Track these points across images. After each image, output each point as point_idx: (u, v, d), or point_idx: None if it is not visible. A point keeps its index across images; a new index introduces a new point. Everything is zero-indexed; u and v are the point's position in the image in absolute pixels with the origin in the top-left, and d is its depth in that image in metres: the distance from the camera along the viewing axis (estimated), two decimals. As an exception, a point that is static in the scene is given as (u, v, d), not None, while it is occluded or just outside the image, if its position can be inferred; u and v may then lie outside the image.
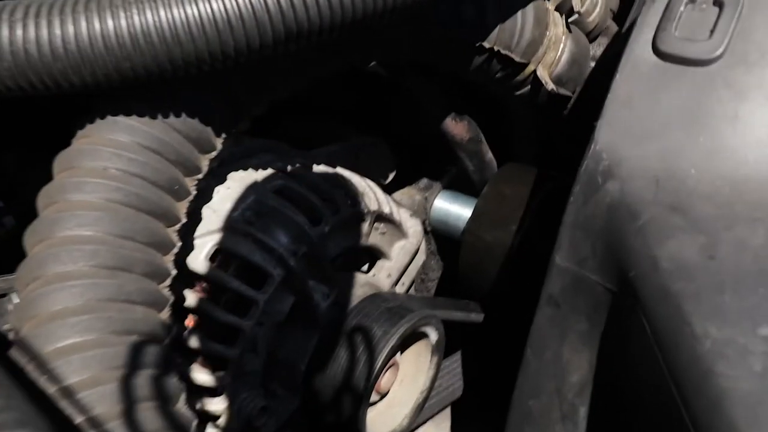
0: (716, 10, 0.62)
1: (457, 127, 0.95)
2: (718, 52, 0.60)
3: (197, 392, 0.68)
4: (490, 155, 1.02)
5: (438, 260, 1.16)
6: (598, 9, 0.97)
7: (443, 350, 0.83)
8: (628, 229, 0.58)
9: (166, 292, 0.61)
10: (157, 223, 0.61)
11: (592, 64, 0.96)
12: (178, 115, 0.63)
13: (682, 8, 0.63)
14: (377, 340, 0.72)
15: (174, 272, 0.62)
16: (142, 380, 0.53)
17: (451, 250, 1.12)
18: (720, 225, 0.55)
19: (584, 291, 0.62)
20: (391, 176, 0.99)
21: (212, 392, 0.69)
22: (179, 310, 0.68)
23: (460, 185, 1.08)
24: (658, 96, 0.62)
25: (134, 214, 0.59)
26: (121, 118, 0.61)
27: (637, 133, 0.62)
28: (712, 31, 0.61)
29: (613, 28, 1.03)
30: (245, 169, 0.76)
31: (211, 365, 0.69)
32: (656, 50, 0.63)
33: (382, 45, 0.79)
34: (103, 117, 0.61)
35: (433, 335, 0.80)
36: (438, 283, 1.14)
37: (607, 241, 0.60)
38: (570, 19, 0.93)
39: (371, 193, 0.82)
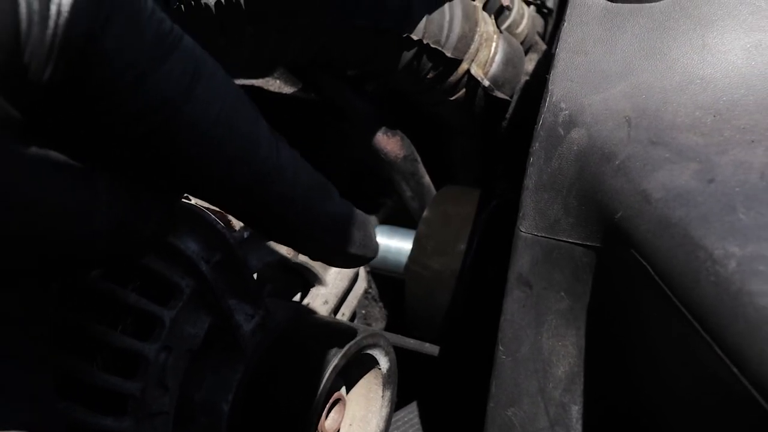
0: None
1: (389, 143, 0.86)
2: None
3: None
4: (427, 179, 0.93)
5: (381, 308, 1.04)
6: (525, 20, 0.94)
7: (396, 382, 0.69)
8: (604, 171, 0.49)
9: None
10: None
11: (526, 78, 0.91)
12: None
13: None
14: (317, 358, 0.58)
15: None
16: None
17: (394, 295, 1.01)
18: (711, 151, 0.47)
19: (559, 260, 0.52)
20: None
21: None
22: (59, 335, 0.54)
23: (396, 220, 0.98)
24: (614, 38, 0.56)
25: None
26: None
27: (597, 78, 0.55)
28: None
29: (542, 45, 0.99)
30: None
31: (107, 407, 0.53)
32: (603, -7, 0.57)
33: (302, 35, 0.70)
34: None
35: (384, 362, 0.67)
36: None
37: (581, 191, 0.50)
38: (502, 27, 0.89)
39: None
